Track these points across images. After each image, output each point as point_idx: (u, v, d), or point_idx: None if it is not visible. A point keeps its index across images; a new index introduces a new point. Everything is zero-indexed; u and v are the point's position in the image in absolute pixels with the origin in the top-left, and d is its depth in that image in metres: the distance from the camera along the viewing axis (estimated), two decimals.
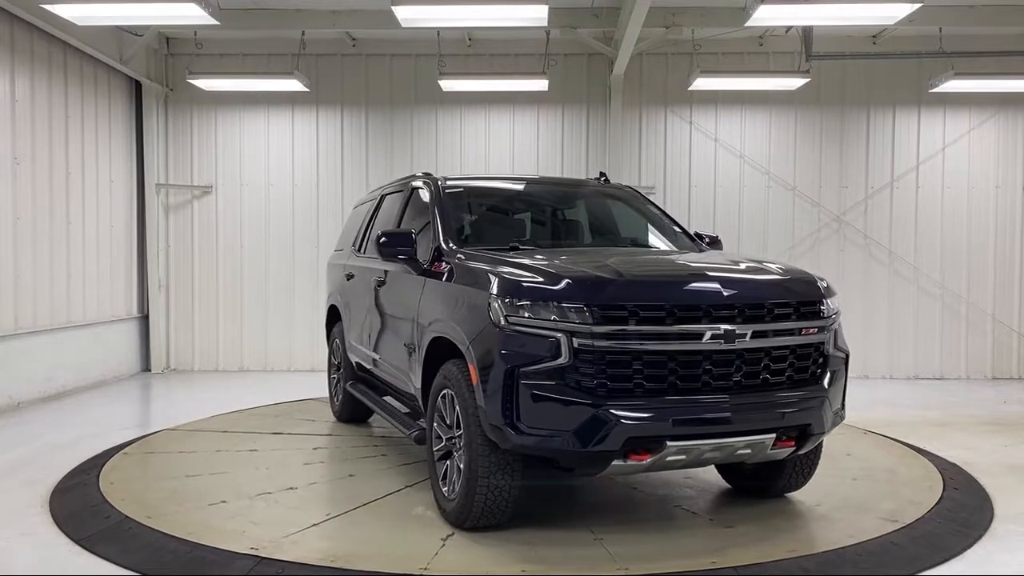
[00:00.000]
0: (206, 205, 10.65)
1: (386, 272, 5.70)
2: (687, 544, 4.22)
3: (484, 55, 10.34)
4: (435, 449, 4.57)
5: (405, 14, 7.29)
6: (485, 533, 4.27)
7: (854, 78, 10.27)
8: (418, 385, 4.88)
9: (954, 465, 5.83)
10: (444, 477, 4.48)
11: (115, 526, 4.44)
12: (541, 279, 4.03)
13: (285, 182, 10.51)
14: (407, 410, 5.67)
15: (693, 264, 4.57)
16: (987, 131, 10.29)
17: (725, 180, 10.38)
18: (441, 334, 4.52)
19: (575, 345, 3.78)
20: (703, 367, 3.90)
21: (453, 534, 4.27)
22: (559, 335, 3.80)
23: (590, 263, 4.31)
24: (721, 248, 5.72)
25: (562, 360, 3.79)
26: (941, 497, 5.00)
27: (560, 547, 4.15)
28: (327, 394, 7.76)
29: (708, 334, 3.87)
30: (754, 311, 4.00)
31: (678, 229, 5.81)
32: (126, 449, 6.17)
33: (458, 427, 4.29)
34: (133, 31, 9.48)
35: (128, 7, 7.42)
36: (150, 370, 10.49)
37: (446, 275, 4.71)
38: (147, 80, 10.15)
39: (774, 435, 4.03)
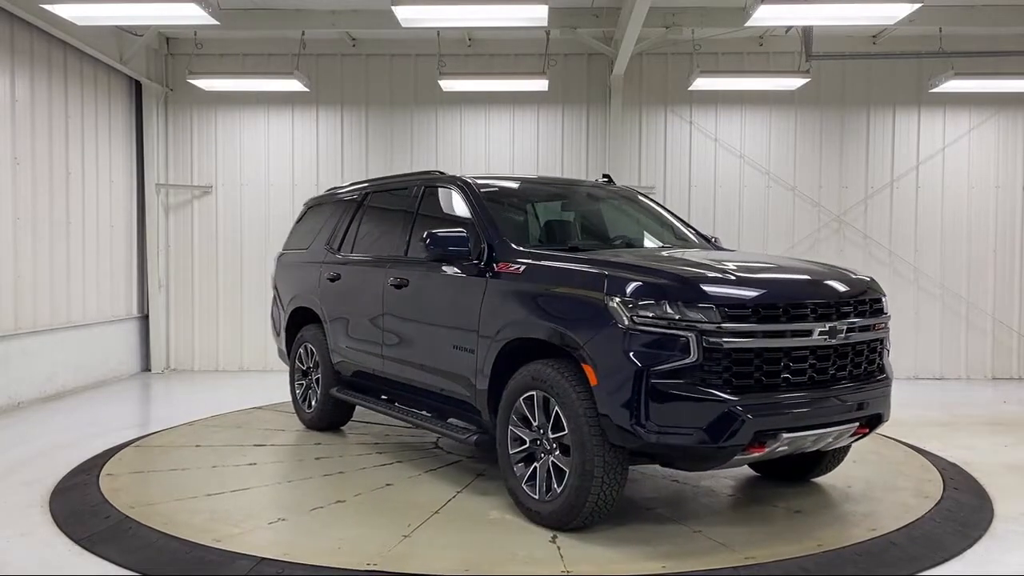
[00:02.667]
0: (206, 205, 10.65)
1: (409, 273, 5.54)
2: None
3: (484, 55, 10.34)
4: (512, 452, 4.53)
5: (405, 14, 7.29)
6: (586, 533, 4.26)
7: (854, 78, 10.27)
8: (483, 387, 4.77)
9: (954, 465, 5.83)
10: (530, 479, 4.43)
11: (115, 526, 4.44)
12: (667, 280, 4.07)
13: (285, 182, 10.51)
14: (428, 413, 5.57)
15: (786, 265, 4.77)
16: (987, 131, 10.29)
17: (725, 180, 10.38)
18: (526, 335, 4.49)
19: (704, 344, 3.86)
20: (809, 362, 4.11)
21: (556, 535, 4.25)
22: (689, 334, 3.87)
23: (692, 264, 4.45)
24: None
25: (692, 359, 3.86)
26: (941, 497, 5.00)
27: (671, 543, 4.20)
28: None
29: (816, 331, 4.10)
30: (846, 308, 4.26)
31: (691, 230, 6.01)
32: (126, 449, 6.16)
33: (554, 429, 4.27)
34: (133, 31, 9.48)
35: (128, 7, 7.41)
36: (150, 370, 10.49)
37: (523, 276, 4.63)
38: (147, 80, 10.15)
39: (857, 423, 4.31)
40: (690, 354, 3.86)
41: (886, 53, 9.89)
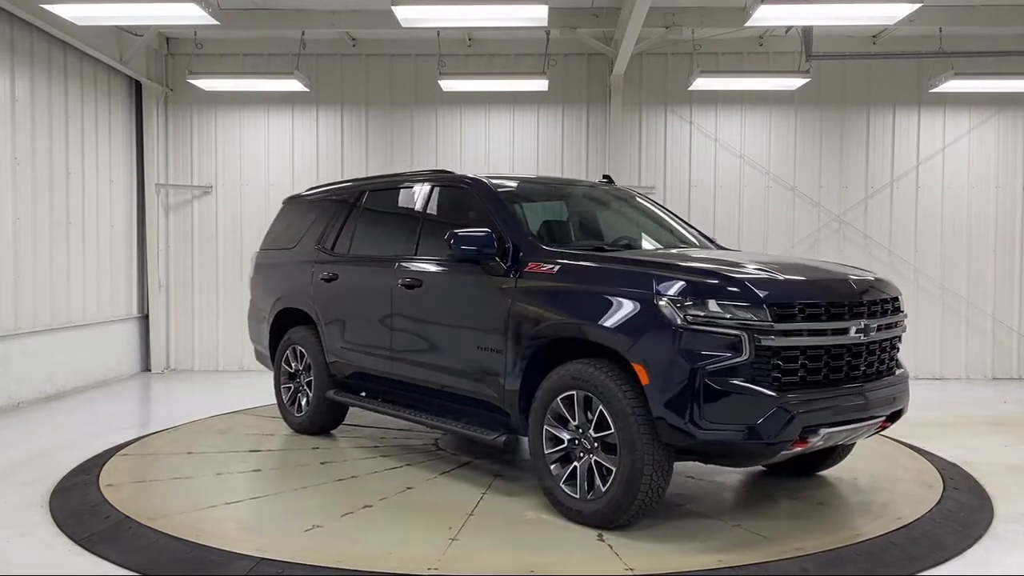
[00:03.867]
0: (206, 205, 10.65)
1: (422, 273, 5.47)
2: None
3: (484, 55, 10.34)
4: (548, 452, 4.54)
5: (405, 14, 7.29)
6: (629, 532, 4.29)
7: (854, 78, 10.27)
8: (512, 387, 4.77)
9: (954, 465, 5.83)
10: (568, 479, 4.45)
11: (115, 526, 4.44)
12: (718, 280, 4.14)
13: (285, 182, 10.49)
14: (438, 415, 5.47)
15: (815, 265, 4.85)
16: (987, 131, 10.29)
17: (725, 180, 10.38)
18: (565, 335, 4.51)
19: (756, 342, 3.95)
20: (845, 359, 4.25)
21: (602, 534, 4.27)
22: (741, 333, 3.95)
23: (735, 264, 4.51)
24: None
25: (744, 357, 3.94)
26: (941, 497, 5.00)
27: (716, 538, 4.26)
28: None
29: (853, 329, 4.24)
30: (874, 307, 4.42)
31: (694, 231, 6.09)
32: (126, 449, 6.17)
33: (596, 428, 4.30)
34: (133, 31, 9.48)
35: (128, 7, 7.41)
36: (150, 370, 10.49)
37: (558, 276, 4.63)
38: (147, 80, 10.15)
39: (884, 417, 4.44)
40: (742, 353, 3.94)
41: (886, 53, 9.89)
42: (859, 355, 4.31)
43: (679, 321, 4.01)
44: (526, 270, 4.77)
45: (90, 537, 4.30)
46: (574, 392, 4.40)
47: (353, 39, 10.29)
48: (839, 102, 10.32)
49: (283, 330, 6.89)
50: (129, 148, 10.30)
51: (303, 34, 9.79)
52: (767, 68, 10.12)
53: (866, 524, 4.51)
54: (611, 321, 4.26)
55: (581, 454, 4.42)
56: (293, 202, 7.31)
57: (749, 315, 3.98)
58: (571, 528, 4.38)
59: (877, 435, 6.68)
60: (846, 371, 4.26)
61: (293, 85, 9.60)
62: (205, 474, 5.51)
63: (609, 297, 4.32)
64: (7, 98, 7.99)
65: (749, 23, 7.51)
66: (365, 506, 4.80)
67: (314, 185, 7.66)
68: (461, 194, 5.55)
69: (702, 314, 3.99)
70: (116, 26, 9.11)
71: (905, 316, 4.76)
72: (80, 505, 4.82)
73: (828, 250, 10.23)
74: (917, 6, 7.09)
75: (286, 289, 6.81)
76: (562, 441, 4.50)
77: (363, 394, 6.23)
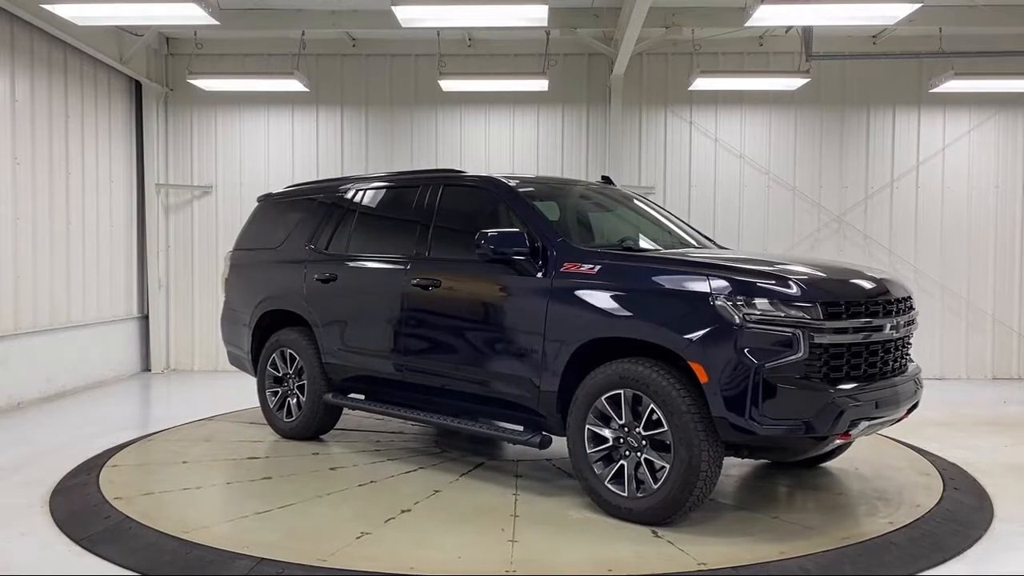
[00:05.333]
0: (206, 205, 10.65)
1: (439, 274, 5.38)
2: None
3: (484, 55, 10.34)
4: (591, 451, 4.56)
5: (405, 14, 7.28)
6: (679, 528, 4.35)
7: (854, 78, 10.27)
8: (549, 388, 4.76)
9: (954, 465, 5.83)
10: (615, 477, 4.49)
11: (115, 526, 4.43)
12: (775, 280, 4.25)
13: (285, 182, 10.42)
14: (453, 417, 5.43)
15: (848, 265, 5.03)
16: (987, 131, 10.29)
17: (725, 180, 10.38)
18: (612, 335, 4.52)
19: (809, 339, 4.08)
20: (879, 355, 4.44)
21: (656, 531, 4.32)
22: (797, 331, 4.08)
23: (781, 264, 4.62)
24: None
25: (800, 355, 4.08)
26: (941, 497, 5.01)
27: (764, 531, 4.36)
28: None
29: (888, 325, 4.46)
30: (900, 305, 4.62)
31: (698, 233, 6.22)
32: (126, 449, 6.17)
33: (648, 426, 4.35)
34: (133, 31, 9.48)
35: (128, 7, 7.40)
36: (150, 370, 10.49)
37: (600, 276, 4.63)
38: (147, 80, 10.15)
39: (906, 410, 4.65)
40: (798, 350, 4.07)
41: (886, 53, 9.89)
42: (889, 351, 4.51)
43: (738, 320, 4.11)
44: (562, 270, 4.77)
45: (90, 537, 4.30)
46: (621, 391, 4.44)
47: (353, 39, 10.29)
48: (839, 102, 10.32)
49: (266, 333, 6.68)
50: (129, 148, 10.30)
51: (303, 34, 9.78)
52: (767, 68, 10.12)
53: (866, 524, 4.51)
54: (666, 321, 4.33)
55: (627, 452, 4.47)
56: (271, 200, 7.12)
57: (803, 314, 4.11)
58: (622, 526, 4.41)
59: (877, 435, 6.72)
60: (879, 366, 4.44)
61: (293, 85, 9.60)
62: (215, 483, 5.35)
63: (661, 297, 4.40)
64: (7, 98, 7.99)
65: (749, 23, 7.51)
66: (403, 511, 4.69)
67: (294, 183, 7.47)
68: (479, 194, 5.53)
69: (758, 313, 4.12)
70: (116, 26, 9.11)
71: (917, 313, 4.95)
72: (80, 505, 4.82)
73: (828, 250, 10.23)
74: (917, 6, 7.09)
75: (272, 290, 6.60)
76: (605, 440, 4.54)
77: (362, 397, 6.09)
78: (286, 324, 6.56)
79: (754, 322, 4.09)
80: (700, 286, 4.26)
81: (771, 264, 4.58)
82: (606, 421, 4.54)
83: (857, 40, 9.99)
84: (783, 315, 4.10)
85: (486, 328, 5.14)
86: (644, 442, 4.39)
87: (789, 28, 9.51)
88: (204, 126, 10.60)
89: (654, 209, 6.25)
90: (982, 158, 10.30)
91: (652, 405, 4.31)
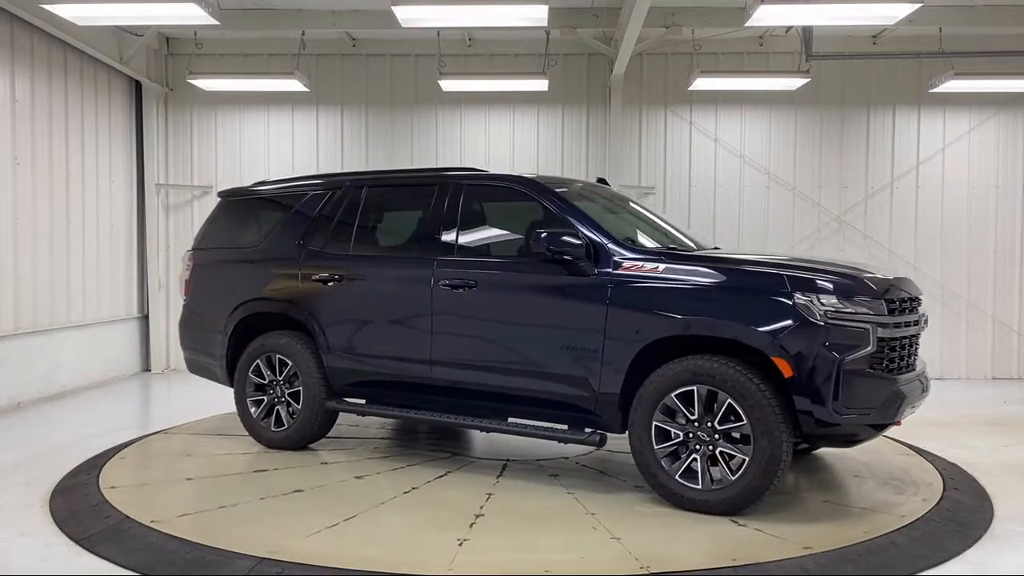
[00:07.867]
0: (206, 205, 10.62)
1: (475, 274, 5.27)
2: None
3: (484, 55, 10.34)
4: (659, 447, 4.68)
5: (405, 14, 7.29)
6: (751, 516, 4.50)
7: (854, 78, 10.27)
8: (611, 387, 4.81)
9: (954, 465, 5.83)
10: (686, 471, 4.61)
11: (115, 526, 4.43)
12: (848, 279, 4.55)
13: None
14: (485, 419, 5.33)
15: (879, 267, 5.42)
16: (987, 131, 10.29)
17: (725, 180, 10.38)
18: (687, 333, 4.65)
19: (876, 333, 4.41)
20: (912, 347, 4.85)
21: (735, 520, 4.47)
22: (869, 326, 4.40)
23: (842, 264, 4.97)
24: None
25: (870, 347, 4.39)
26: (941, 497, 5.01)
27: (831, 517, 4.59)
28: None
29: (923, 320, 4.97)
30: (919, 300, 5.02)
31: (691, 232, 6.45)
32: (126, 449, 6.17)
33: (723, 421, 4.50)
34: (133, 31, 9.49)
35: (128, 7, 7.41)
36: (150, 370, 10.49)
37: (666, 276, 4.73)
38: (147, 80, 10.15)
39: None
40: (869, 343, 4.38)
41: (886, 53, 9.89)
42: (913, 344, 4.87)
43: (819, 317, 4.36)
44: (621, 270, 4.82)
45: (90, 537, 4.30)
46: (694, 387, 4.57)
47: (353, 39, 10.29)
48: (839, 102, 10.32)
49: (243, 338, 6.29)
50: (129, 148, 10.30)
51: (303, 34, 9.79)
52: (767, 68, 10.13)
53: (866, 524, 4.50)
54: (747, 319, 4.51)
55: (698, 446, 4.59)
56: (241, 197, 6.77)
57: (870, 309, 4.44)
58: (699, 517, 4.52)
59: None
60: (907, 359, 4.78)
61: (293, 85, 9.60)
62: (250, 500, 4.87)
63: (738, 296, 4.60)
64: (7, 98, 7.99)
65: (749, 23, 7.51)
66: (477, 515, 4.59)
67: (263, 180, 7.16)
68: (513, 195, 5.50)
69: (835, 310, 4.39)
70: (116, 26, 9.11)
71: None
72: (80, 505, 4.82)
73: (828, 250, 10.23)
74: (917, 6, 7.09)
75: (253, 292, 6.21)
76: (674, 435, 4.66)
77: (367, 402, 5.88)
78: (269, 328, 6.20)
79: (832, 318, 4.37)
80: (778, 286, 4.49)
81: (832, 264, 4.90)
82: (672, 416, 4.66)
83: (857, 40, 9.99)
84: (856, 311, 4.40)
85: (536, 329, 5.07)
86: (717, 436, 4.54)
87: (789, 28, 9.51)
88: (204, 126, 10.61)
89: (647, 211, 6.30)
90: (982, 158, 10.30)
91: (729, 400, 4.47)
